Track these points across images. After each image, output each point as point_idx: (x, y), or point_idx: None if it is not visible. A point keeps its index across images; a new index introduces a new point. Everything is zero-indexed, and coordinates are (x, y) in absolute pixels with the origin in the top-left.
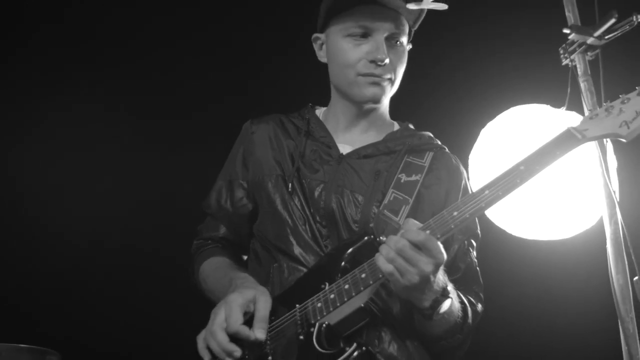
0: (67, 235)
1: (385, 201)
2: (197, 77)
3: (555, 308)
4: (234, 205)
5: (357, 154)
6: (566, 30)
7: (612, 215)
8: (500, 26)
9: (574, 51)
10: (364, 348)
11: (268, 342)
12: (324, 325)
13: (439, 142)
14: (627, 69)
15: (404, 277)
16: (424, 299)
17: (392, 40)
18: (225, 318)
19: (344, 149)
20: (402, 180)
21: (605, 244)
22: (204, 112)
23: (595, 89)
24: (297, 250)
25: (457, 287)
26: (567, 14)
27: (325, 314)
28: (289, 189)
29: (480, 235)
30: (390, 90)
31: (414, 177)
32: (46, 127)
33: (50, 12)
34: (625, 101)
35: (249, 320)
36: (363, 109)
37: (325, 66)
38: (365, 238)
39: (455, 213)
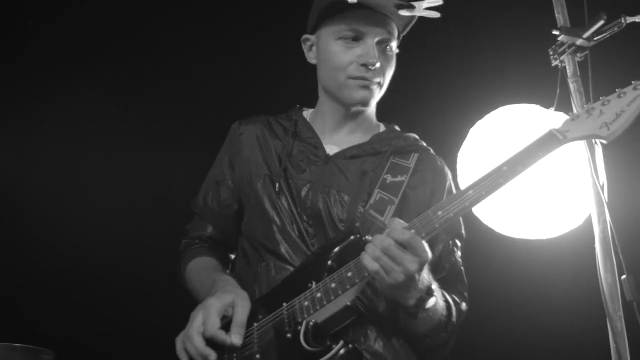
0: (67, 236)
1: (371, 201)
2: (197, 77)
3: (544, 307)
4: (220, 206)
5: (343, 154)
6: (555, 32)
7: (601, 215)
8: (491, 27)
9: (563, 52)
10: (350, 345)
11: (255, 340)
12: (310, 323)
13: (424, 144)
14: (616, 70)
15: (390, 276)
16: (409, 297)
17: (382, 45)
18: (202, 322)
19: (331, 149)
20: (387, 181)
21: (593, 243)
22: (205, 112)
23: (585, 90)
24: (284, 249)
25: (442, 286)
26: (556, 15)
27: (312, 312)
28: (277, 189)
29: (464, 235)
30: (379, 94)
31: (399, 178)
32: (46, 127)
33: (50, 11)
34: (606, 103)
35: (227, 324)
36: (350, 111)
37: (314, 67)
38: (351, 237)
39: (439, 212)
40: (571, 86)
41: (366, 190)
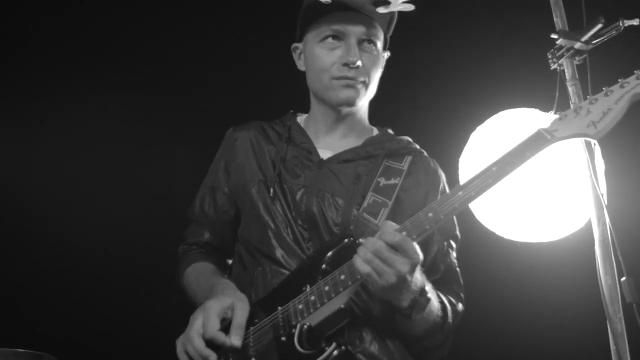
0: (66, 236)
1: (365, 204)
2: (197, 77)
3: (544, 309)
4: (216, 212)
5: (337, 158)
6: (554, 35)
7: (600, 217)
8: (489, 31)
9: (562, 56)
10: (343, 347)
11: (251, 344)
12: (305, 326)
13: (418, 146)
14: (614, 73)
15: (382, 278)
16: (402, 299)
17: (365, 44)
18: (202, 324)
19: (325, 154)
20: (381, 184)
21: (593, 245)
22: (205, 111)
23: (583, 93)
24: (279, 253)
25: (438, 288)
26: (555, 19)
27: (306, 315)
28: (271, 194)
29: (459, 237)
30: (366, 94)
31: (392, 181)
32: (46, 127)
33: (50, 11)
34: (593, 102)
35: (226, 326)
36: (341, 114)
37: (305, 74)
38: (345, 240)
39: (430, 214)
40: (570, 89)
41: (360, 194)
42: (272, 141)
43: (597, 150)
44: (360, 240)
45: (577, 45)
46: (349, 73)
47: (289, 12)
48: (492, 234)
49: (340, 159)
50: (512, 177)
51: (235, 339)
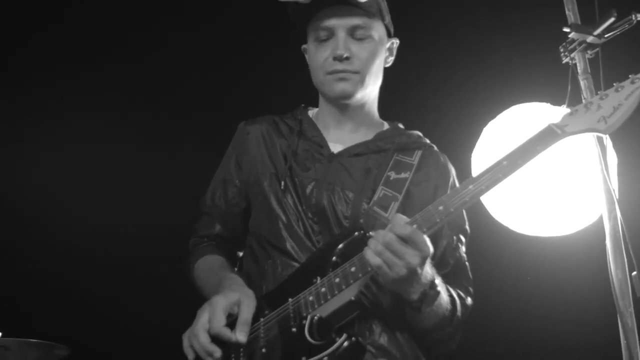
0: (66, 236)
1: (375, 198)
2: (196, 78)
3: (555, 303)
4: (227, 204)
5: (347, 152)
6: (566, 29)
7: (612, 212)
8: (501, 25)
9: (574, 49)
10: (353, 339)
11: (262, 334)
12: (315, 317)
13: (428, 141)
14: (627, 67)
15: (392, 270)
16: (412, 292)
17: (357, 34)
18: (208, 319)
19: (335, 147)
20: (391, 178)
21: (604, 240)
22: (205, 111)
23: (595, 87)
24: (290, 246)
25: (447, 282)
26: (567, 12)
27: (316, 306)
28: (282, 187)
29: (469, 231)
30: (363, 85)
31: (403, 175)
32: (45, 127)
33: (50, 13)
34: (604, 97)
35: (233, 322)
36: (345, 108)
37: None
38: (356, 233)
39: (440, 208)
40: (582, 83)
41: (370, 187)
42: (283, 135)
43: (609, 144)
44: (370, 233)
45: (590, 39)
46: (339, 66)
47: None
48: (505, 228)
49: (350, 152)
50: (524, 171)
51: (240, 335)
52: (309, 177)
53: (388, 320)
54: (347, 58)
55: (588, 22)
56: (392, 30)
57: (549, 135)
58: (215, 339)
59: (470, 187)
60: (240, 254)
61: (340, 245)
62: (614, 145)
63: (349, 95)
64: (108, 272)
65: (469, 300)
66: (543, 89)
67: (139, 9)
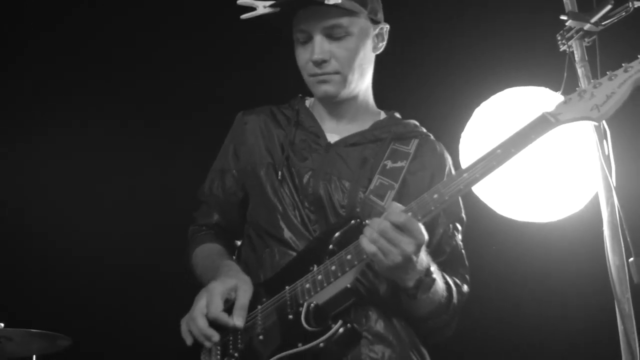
0: (74, 235)
1: (371, 187)
2: (195, 78)
3: (551, 290)
4: (224, 193)
5: (344, 142)
6: (563, 17)
7: (609, 199)
8: (500, 11)
9: (571, 37)
10: (349, 325)
11: (259, 322)
12: (312, 305)
13: (424, 130)
14: (624, 55)
15: (387, 258)
16: (408, 279)
17: (335, 34)
18: (206, 304)
19: (332, 137)
20: (387, 167)
21: (601, 226)
22: (204, 112)
23: (593, 75)
24: (287, 235)
25: (443, 270)
26: (564, 0)
27: (313, 294)
28: (279, 177)
29: (465, 219)
30: (346, 83)
31: (399, 164)
32: (46, 132)
33: (48, 19)
34: (597, 85)
35: (230, 307)
36: (338, 104)
37: None
38: (352, 222)
39: (435, 196)
40: (579, 71)
41: (367, 177)
42: (281, 125)
43: (607, 131)
44: (366, 221)
45: (587, 26)
46: (318, 70)
47: None
48: (500, 215)
49: (347, 142)
50: (518, 158)
51: (237, 320)
52: (305, 166)
53: (384, 307)
54: (324, 61)
55: (585, 9)
56: (379, 15)
57: (542, 124)
58: (213, 324)
59: (465, 175)
60: (239, 243)
61: (337, 234)
62: (611, 131)
63: (333, 96)
64: (110, 267)
65: (465, 287)
66: (540, 74)
67: (138, 10)
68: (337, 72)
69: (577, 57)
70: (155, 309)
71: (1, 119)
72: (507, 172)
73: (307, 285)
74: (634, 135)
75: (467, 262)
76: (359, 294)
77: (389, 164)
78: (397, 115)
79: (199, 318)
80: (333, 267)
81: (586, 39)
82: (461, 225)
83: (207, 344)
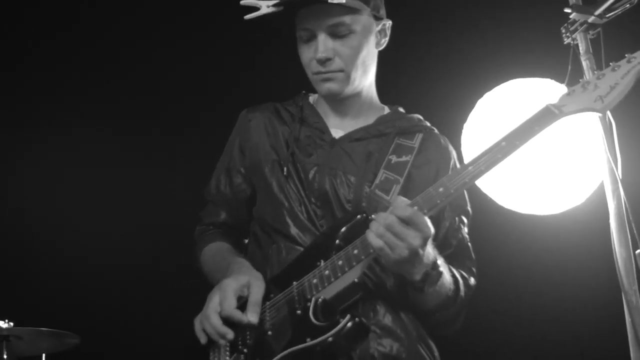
0: (78, 235)
1: (377, 181)
2: (195, 78)
3: (559, 282)
4: (232, 191)
5: (349, 137)
6: (567, 10)
7: (615, 191)
8: (504, 3)
9: (575, 30)
10: (357, 319)
11: (267, 318)
12: (319, 300)
13: (429, 124)
14: (628, 47)
15: (394, 252)
16: (415, 273)
17: (338, 32)
18: (219, 302)
19: (337, 133)
20: (392, 161)
21: (608, 217)
22: (204, 112)
23: (597, 67)
24: (293, 230)
25: (450, 263)
26: None
27: (320, 289)
28: (285, 173)
29: (470, 212)
30: (349, 81)
31: (404, 158)
32: (47, 138)
33: (43, 32)
34: (600, 77)
35: (243, 304)
36: (342, 101)
37: None
38: (358, 217)
39: (441, 189)
40: (584, 64)
41: (372, 171)
42: (285, 122)
43: (612, 123)
44: (372, 216)
45: (591, 19)
46: (322, 68)
47: None
48: (507, 209)
49: (352, 137)
50: (522, 150)
51: (252, 316)
52: (311, 162)
53: (392, 301)
54: (329, 59)
55: (589, 2)
56: (381, 12)
57: (546, 116)
58: (227, 321)
59: (470, 168)
60: (246, 241)
61: (343, 229)
62: (617, 122)
63: (337, 94)
64: (119, 266)
65: (472, 280)
66: (545, 67)
67: (138, 12)
68: (341, 70)
69: (581, 49)
70: (165, 307)
71: (1, 119)
72: (511, 165)
73: (315, 281)
74: (639, 125)
75: (473, 255)
76: (367, 288)
77: (394, 158)
78: (401, 109)
79: (213, 316)
80: (340, 262)
81: (590, 32)
82: (467, 218)
83: (222, 341)
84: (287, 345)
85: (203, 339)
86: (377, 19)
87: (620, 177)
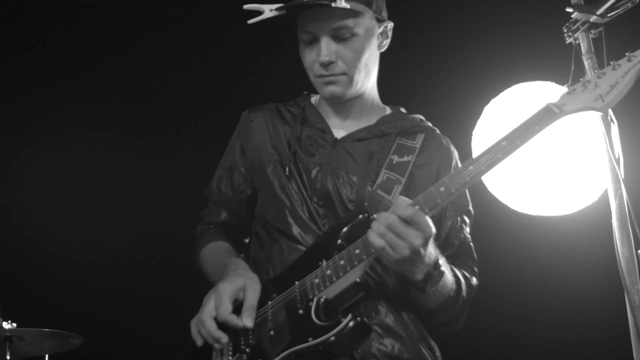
0: (81, 235)
1: (379, 181)
2: (195, 78)
3: (561, 282)
4: (234, 191)
5: (351, 137)
6: (569, 9)
7: (617, 190)
8: (505, 5)
9: (577, 29)
10: (359, 319)
11: (270, 318)
12: (321, 299)
13: (430, 124)
14: (630, 46)
15: (395, 251)
16: (416, 272)
17: (340, 35)
18: (215, 306)
19: (339, 133)
20: (394, 161)
21: (610, 217)
22: (204, 112)
23: (599, 66)
24: (295, 230)
25: (452, 263)
26: None
27: (322, 289)
28: (287, 173)
29: (472, 212)
30: (352, 84)
31: (405, 158)
32: (47, 140)
33: (41, 33)
34: (601, 76)
35: (238, 307)
36: (344, 103)
37: None
38: (360, 216)
39: (442, 189)
40: (586, 63)
41: (374, 171)
42: (287, 122)
43: (614, 122)
44: (374, 216)
45: (593, 18)
46: (325, 71)
47: None
48: (511, 209)
49: (353, 137)
50: (526, 149)
51: (247, 320)
52: (313, 162)
53: (393, 301)
54: (331, 62)
55: (591, 1)
56: (383, 14)
57: (547, 115)
58: (222, 326)
59: (471, 167)
60: (247, 240)
61: (345, 229)
62: (619, 122)
63: (340, 97)
64: (122, 266)
65: (474, 280)
66: (547, 68)
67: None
68: (343, 73)
69: (583, 49)
70: (169, 308)
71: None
72: (517, 166)
73: (317, 280)
74: None
75: (475, 255)
76: (368, 287)
77: (396, 158)
78: (403, 110)
79: (208, 321)
80: (342, 262)
81: (592, 31)
82: (469, 218)
83: (217, 345)
84: (289, 345)
85: (199, 342)
86: (379, 21)
87: (623, 176)
